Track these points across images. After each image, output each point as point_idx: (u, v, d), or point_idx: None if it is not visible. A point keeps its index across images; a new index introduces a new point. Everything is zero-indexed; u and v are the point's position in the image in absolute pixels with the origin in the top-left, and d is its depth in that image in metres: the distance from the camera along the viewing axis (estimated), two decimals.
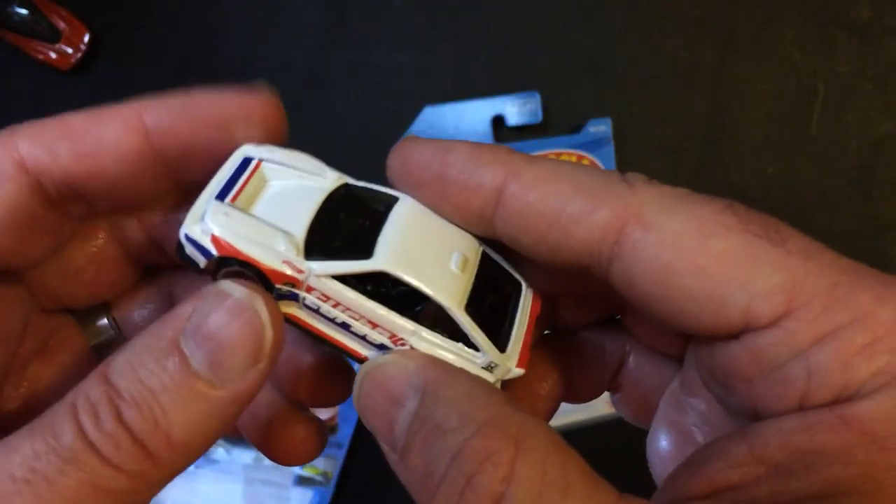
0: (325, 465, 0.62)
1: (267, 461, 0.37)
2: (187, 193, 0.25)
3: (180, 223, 0.23)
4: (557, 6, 0.65)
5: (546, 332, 0.30)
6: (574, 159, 0.63)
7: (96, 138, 0.24)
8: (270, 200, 0.25)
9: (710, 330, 0.21)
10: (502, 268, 0.26)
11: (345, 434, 0.62)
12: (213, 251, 0.22)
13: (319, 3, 0.66)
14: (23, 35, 0.64)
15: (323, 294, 0.23)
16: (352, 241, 0.23)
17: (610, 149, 0.63)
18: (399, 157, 0.25)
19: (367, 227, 0.24)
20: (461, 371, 0.22)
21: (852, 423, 0.19)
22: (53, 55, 0.65)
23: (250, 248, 0.22)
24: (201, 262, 0.23)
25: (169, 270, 0.30)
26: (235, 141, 0.25)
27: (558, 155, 0.63)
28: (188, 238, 0.22)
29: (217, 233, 0.22)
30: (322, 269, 0.22)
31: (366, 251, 0.23)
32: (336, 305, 0.23)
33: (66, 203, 0.25)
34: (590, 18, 0.65)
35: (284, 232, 0.23)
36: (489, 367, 0.23)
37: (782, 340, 0.20)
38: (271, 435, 0.29)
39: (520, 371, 0.24)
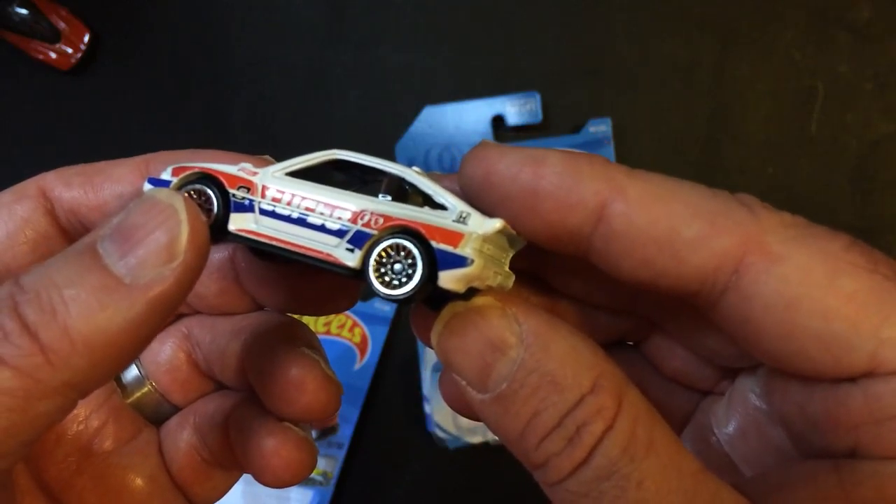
0: (325, 465, 0.62)
1: None
2: None
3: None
4: (557, 6, 0.65)
5: None
6: None
7: (105, 175, 0.26)
8: None
9: (827, 372, 0.20)
10: None
11: (345, 434, 0.63)
12: (171, 178, 0.23)
13: (319, 2, 0.66)
14: (23, 35, 0.64)
15: (278, 190, 0.23)
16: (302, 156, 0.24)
17: (610, 149, 0.63)
18: (480, 167, 0.23)
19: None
20: (561, 322, 0.21)
21: None
22: (53, 55, 0.65)
23: (208, 165, 0.24)
24: None
25: (186, 314, 0.30)
26: None
27: None
28: (151, 180, 0.24)
29: (177, 166, 0.24)
30: (276, 167, 0.23)
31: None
32: (291, 201, 0.23)
33: (76, 234, 0.26)
34: (590, 18, 0.65)
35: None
36: (461, 219, 0.21)
37: None
38: (257, 452, 0.28)
39: (497, 222, 0.21)
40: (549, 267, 0.26)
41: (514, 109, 0.63)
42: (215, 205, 0.23)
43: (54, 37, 0.64)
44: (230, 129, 0.66)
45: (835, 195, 0.63)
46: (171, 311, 0.20)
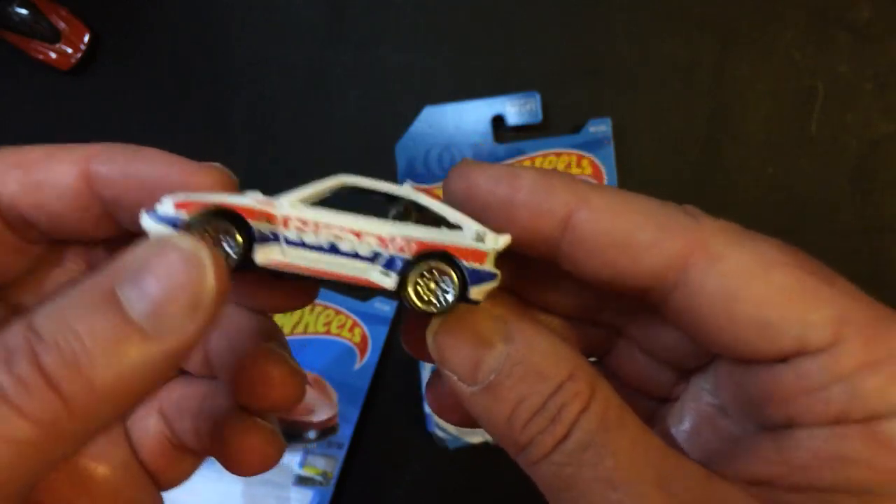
0: (325, 465, 0.62)
1: None
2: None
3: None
4: (557, 6, 0.65)
5: None
6: (574, 159, 0.63)
7: (43, 173, 0.25)
8: None
9: (762, 354, 0.23)
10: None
11: (345, 434, 0.62)
12: (184, 214, 0.22)
13: (319, 2, 0.66)
14: (23, 35, 0.64)
15: (301, 220, 0.23)
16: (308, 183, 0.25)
17: (610, 149, 0.63)
18: (463, 181, 0.26)
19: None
20: (538, 322, 0.24)
21: (881, 437, 0.21)
22: (53, 55, 0.65)
23: (218, 198, 0.23)
24: None
25: None
26: None
27: (558, 155, 0.63)
28: (154, 216, 0.22)
29: (181, 199, 0.22)
30: (290, 196, 0.24)
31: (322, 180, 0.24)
32: (316, 229, 0.23)
33: (21, 228, 0.26)
34: (590, 18, 0.65)
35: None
36: (479, 238, 0.24)
37: (828, 365, 0.22)
38: (225, 443, 0.29)
39: (507, 237, 0.24)
40: (523, 281, 0.29)
41: (514, 109, 0.63)
42: (239, 241, 0.23)
43: (54, 37, 0.64)
44: (230, 129, 0.66)
45: (835, 195, 0.63)
46: (188, 356, 0.21)
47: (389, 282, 0.23)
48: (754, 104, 0.63)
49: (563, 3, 0.65)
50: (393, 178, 0.64)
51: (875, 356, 0.22)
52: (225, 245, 0.23)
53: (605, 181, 0.63)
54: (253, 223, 0.23)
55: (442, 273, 0.24)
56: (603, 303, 0.29)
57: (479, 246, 0.24)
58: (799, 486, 0.22)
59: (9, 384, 0.18)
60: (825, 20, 0.63)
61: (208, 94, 0.67)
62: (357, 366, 0.63)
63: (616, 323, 0.30)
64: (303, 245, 0.23)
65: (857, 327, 0.22)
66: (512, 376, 0.24)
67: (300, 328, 0.63)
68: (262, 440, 0.29)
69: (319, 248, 0.23)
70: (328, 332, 0.64)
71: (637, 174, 0.64)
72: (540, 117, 0.63)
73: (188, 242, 0.21)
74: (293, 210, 0.23)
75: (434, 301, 0.24)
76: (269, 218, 0.23)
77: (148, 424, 0.30)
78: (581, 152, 0.63)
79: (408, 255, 0.23)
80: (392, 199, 0.25)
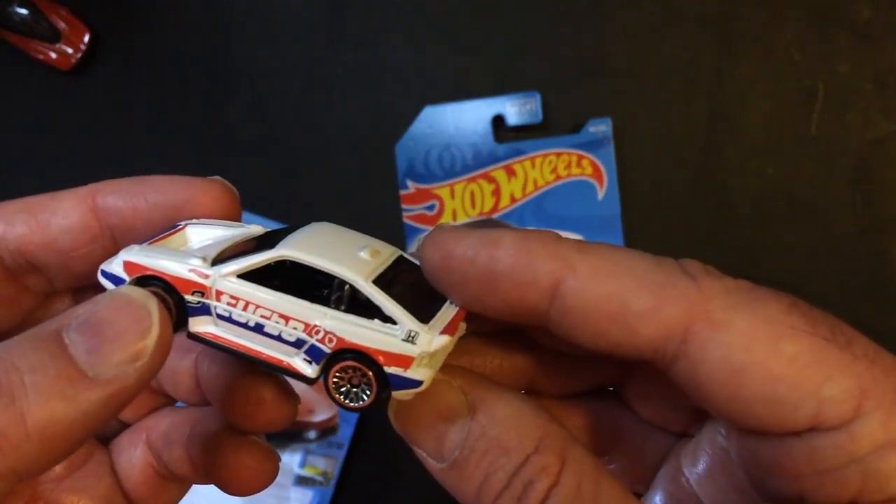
0: (325, 465, 0.62)
1: None
2: None
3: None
4: (557, 6, 0.65)
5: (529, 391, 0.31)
6: (574, 159, 0.63)
7: (49, 212, 0.26)
8: (194, 244, 0.26)
9: (775, 429, 0.21)
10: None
11: (345, 434, 0.63)
12: (125, 275, 0.23)
13: (319, 3, 0.66)
14: (23, 35, 0.64)
15: (232, 297, 0.23)
16: (257, 248, 0.24)
17: (610, 149, 0.63)
18: (438, 252, 0.24)
19: (276, 239, 0.24)
20: (503, 388, 0.23)
21: None
22: (53, 55, 0.65)
23: (158, 263, 0.23)
24: None
25: None
26: (178, 220, 0.26)
27: (558, 155, 0.63)
28: (105, 275, 0.23)
29: (127, 258, 0.23)
30: (226, 269, 0.23)
31: (269, 248, 0.23)
32: (246, 307, 0.23)
33: (23, 275, 0.26)
34: (590, 18, 0.65)
35: (196, 252, 0.24)
36: (410, 338, 0.22)
37: (844, 444, 0.20)
38: (219, 465, 0.28)
39: (444, 338, 0.23)
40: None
41: (514, 109, 0.63)
42: (173, 311, 0.23)
43: (54, 37, 0.64)
44: (230, 129, 0.66)
45: (835, 195, 0.63)
46: (125, 405, 0.21)
47: (310, 371, 0.23)
48: (754, 104, 0.63)
49: (563, 3, 0.65)
50: (393, 177, 0.64)
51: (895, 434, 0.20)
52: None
53: (605, 181, 0.63)
54: (187, 297, 0.23)
55: (361, 373, 0.23)
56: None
57: (406, 349, 0.22)
58: None
59: None
60: (825, 20, 0.63)
61: (208, 94, 0.67)
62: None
63: (628, 362, 0.28)
64: (230, 321, 0.23)
65: (878, 401, 0.20)
66: (475, 452, 0.22)
67: None
68: (257, 458, 0.29)
69: (246, 326, 0.23)
70: None
71: (637, 174, 0.64)
72: (540, 117, 0.63)
73: (138, 293, 0.21)
74: (224, 285, 0.23)
75: (351, 399, 0.23)
76: (203, 290, 0.23)
77: (134, 455, 0.30)
78: (581, 152, 0.63)
79: (327, 349, 0.23)
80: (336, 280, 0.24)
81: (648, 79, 0.64)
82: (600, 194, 0.63)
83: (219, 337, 0.24)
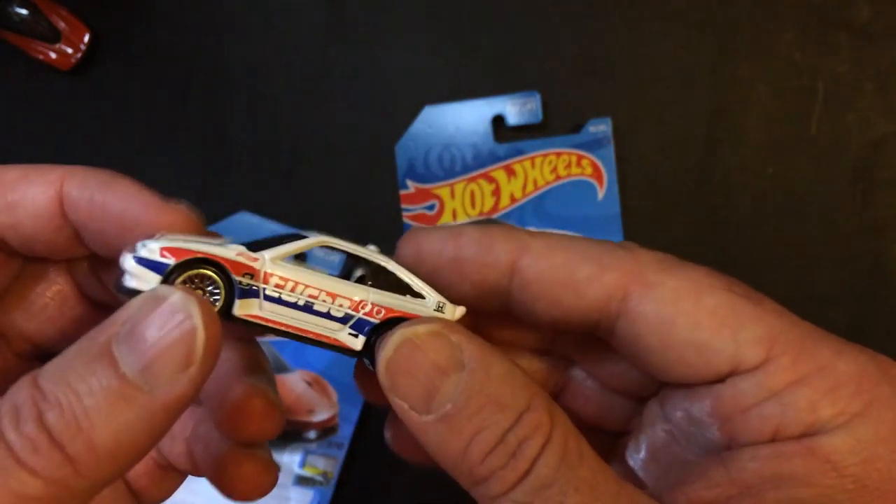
0: (325, 465, 0.62)
1: None
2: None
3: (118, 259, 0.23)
4: (558, 6, 0.65)
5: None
6: (574, 159, 0.63)
7: (18, 193, 0.26)
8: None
9: (700, 375, 0.25)
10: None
11: (345, 434, 0.63)
12: (170, 259, 0.23)
13: (320, 2, 0.66)
14: (23, 35, 0.64)
15: (281, 278, 0.25)
16: (283, 238, 0.26)
17: (610, 149, 0.63)
18: (411, 246, 0.27)
19: (291, 235, 0.26)
20: (497, 349, 0.25)
21: (817, 453, 0.22)
22: (53, 55, 0.65)
23: (203, 248, 0.24)
24: (151, 281, 0.23)
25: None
26: (133, 235, 0.26)
27: (558, 155, 0.63)
28: (140, 260, 0.23)
29: (166, 244, 0.23)
30: (273, 253, 0.25)
31: (300, 237, 0.26)
32: (294, 288, 0.25)
33: None
34: (589, 19, 0.65)
35: (223, 242, 0.25)
36: (439, 308, 0.26)
37: (762, 382, 0.23)
38: (220, 470, 0.29)
39: (462, 308, 0.27)
40: (481, 318, 0.30)
41: (514, 109, 0.63)
42: (223, 293, 0.24)
43: (54, 37, 0.64)
44: (230, 129, 0.66)
45: (835, 195, 0.63)
46: (187, 407, 0.21)
47: (357, 343, 0.26)
48: (754, 104, 0.63)
49: (564, 3, 0.65)
50: (393, 177, 0.64)
51: (804, 371, 0.23)
52: (209, 295, 0.24)
53: (605, 181, 0.63)
54: (238, 279, 0.24)
55: None
56: (557, 336, 0.31)
57: (439, 316, 0.26)
58: None
59: (17, 442, 0.19)
60: (825, 20, 0.63)
61: (208, 94, 0.67)
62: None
63: (569, 353, 0.31)
64: (280, 302, 0.25)
65: (786, 344, 0.23)
66: (469, 406, 0.23)
67: None
68: (256, 469, 0.29)
69: (295, 306, 0.25)
70: None
71: (637, 174, 0.64)
72: (540, 117, 0.63)
73: (178, 297, 0.21)
74: (273, 268, 0.25)
75: None
76: (253, 273, 0.24)
77: None
78: (581, 152, 0.63)
79: (375, 320, 0.26)
80: (359, 259, 0.27)
81: (648, 79, 0.64)
82: (600, 194, 0.63)
83: (265, 318, 0.25)
